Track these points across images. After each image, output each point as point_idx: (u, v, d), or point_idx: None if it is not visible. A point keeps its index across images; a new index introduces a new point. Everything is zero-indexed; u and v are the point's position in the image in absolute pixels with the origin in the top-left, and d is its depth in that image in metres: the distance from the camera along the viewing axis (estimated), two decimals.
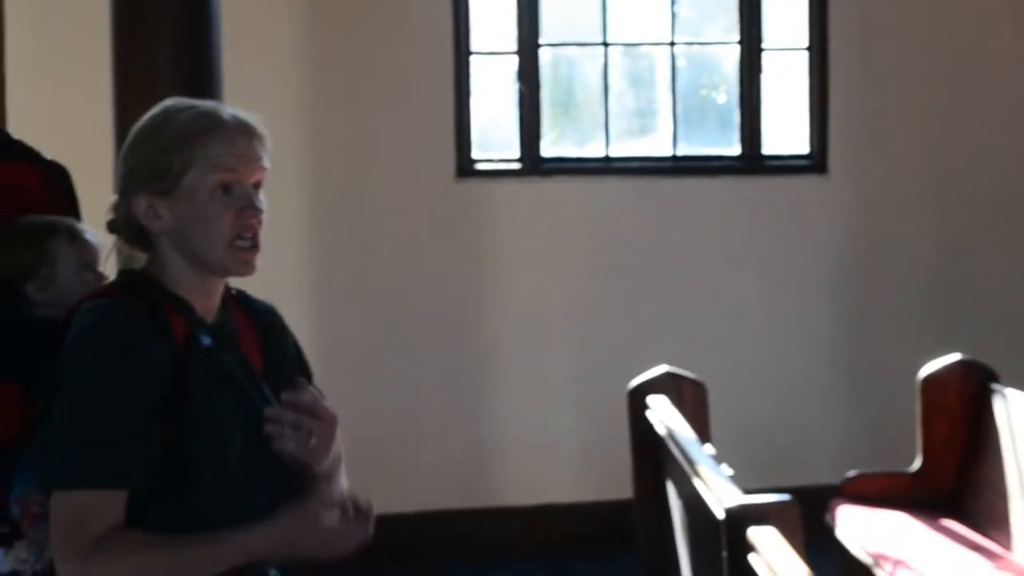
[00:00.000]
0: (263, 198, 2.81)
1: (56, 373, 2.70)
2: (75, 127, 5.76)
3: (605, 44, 6.85)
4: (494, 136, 6.82)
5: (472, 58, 6.69)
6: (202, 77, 5.01)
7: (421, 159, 6.59)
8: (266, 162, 2.80)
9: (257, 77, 6.09)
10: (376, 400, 6.52)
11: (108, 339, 2.68)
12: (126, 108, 5.01)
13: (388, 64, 6.54)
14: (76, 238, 3.03)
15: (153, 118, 2.80)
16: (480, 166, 6.74)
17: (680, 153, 6.90)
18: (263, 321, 2.94)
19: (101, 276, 3.03)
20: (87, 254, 3.03)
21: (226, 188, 2.75)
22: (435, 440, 6.64)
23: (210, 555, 2.65)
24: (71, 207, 3.15)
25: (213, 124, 2.75)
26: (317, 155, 6.43)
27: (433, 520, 6.62)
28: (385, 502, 6.66)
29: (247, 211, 2.75)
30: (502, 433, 6.70)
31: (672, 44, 6.88)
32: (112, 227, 2.85)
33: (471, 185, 6.68)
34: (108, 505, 2.62)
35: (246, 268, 2.78)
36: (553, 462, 6.72)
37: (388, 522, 6.48)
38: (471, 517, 6.67)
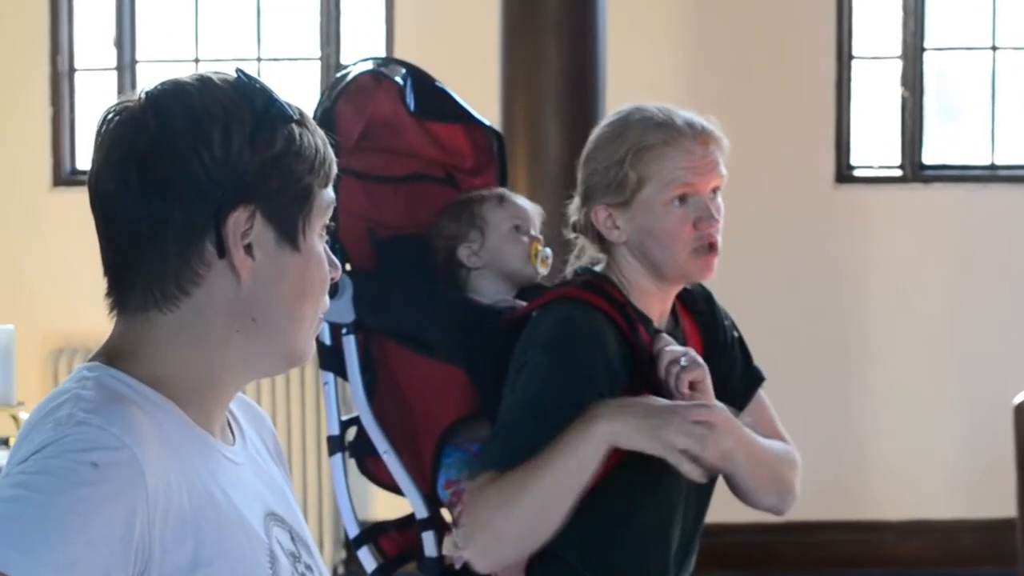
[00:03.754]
0: (720, 202, 2.76)
1: (513, 371, 2.70)
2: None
3: (993, 48, 6.64)
4: (875, 142, 6.68)
5: (853, 62, 6.58)
6: (584, 69, 5.07)
7: (799, 163, 6.51)
8: (723, 168, 2.75)
9: (634, 75, 6.10)
10: None
11: (568, 346, 2.67)
12: (513, 85, 5.12)
13: (768, 66, 6.48)
14: (504, 201, 3.04)
15: (611, 125, 2.78)
16: (859, 172, 6.62)
17: None
18: (702, 315, 2.90)
19: (535, 238, 3.02)
20: (517, 216, 3.03)
21: (682, 199, 2.72)
22: (806, 449, 6.51)
23: (563, 460, 2.56)
24: (500, 172, 3.16)
25: (669, 136, 2.72)
26: None
27: (801, 530, 6.52)
28: (753, 511, 6.62)
29: (703, 221, 2.72)
30: (875, 444, 6.57)
31: None
32: (576, 228, 2.84)
33: (850, 191, 6.57)
34: None
35: (706, 272, 2.75)
36: (928, 476, 6.55)
37: (756, 531, 6.45)
38: (840, 529, 6.56)
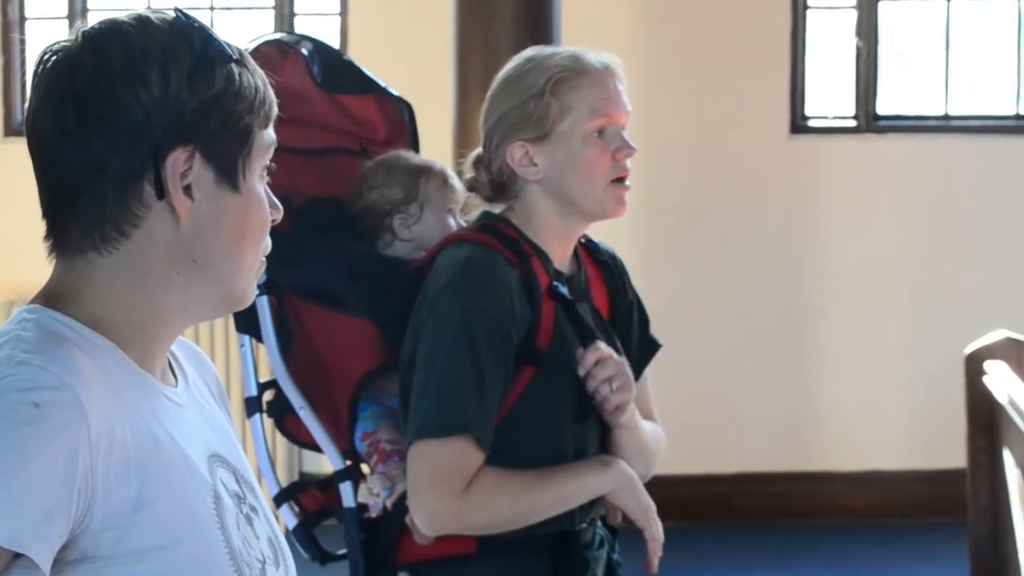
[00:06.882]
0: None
1: (420, 317, 2.74)
2: (414, 56, 5.85)
3: None
4: (829, 93, 6.69)
5: (808, 12, 6.58)
6: (539, 19, 5.06)
7: (754, 114, 6.51)
8: (628, 105, 2.81)
9: (590, 25, 6.09)
10: (699, 359, 6.47)
11: (475, 287, 2.71)
12: (467, 40, 5.10)
13: (723, 16, 6.47)
14: (447, 184, 3.07)
15: (520, 66, 2.81)
16: (814, 123, 6.62)
17: None
18: (609, 269, 2.94)
19: (460, 225, 3.05)
20: (455, 201, 3.07)
21: (600, 131, 2.76)
22: (758, 401, 6.57)
23: (571, 491, 2.75)
24: (412, 142, 3.19)
25: (583, 68, 2.77)
26: (648, 107, 6.40)
27: (754, 482, 6.55)
28: (706, 462, 6.66)
29: (622, 151, 2.77)
30: (827, 396, 6.60)
31: None
32: (471, 186, 2.88)
33: (804, 141, 6.58)
34: (476, 449, 2.69)
35: (619, 207, 2.80)
36: (880, 427, 6.59)
37: (708, 482, 6.47)
38: (792, 480, 6.58)
